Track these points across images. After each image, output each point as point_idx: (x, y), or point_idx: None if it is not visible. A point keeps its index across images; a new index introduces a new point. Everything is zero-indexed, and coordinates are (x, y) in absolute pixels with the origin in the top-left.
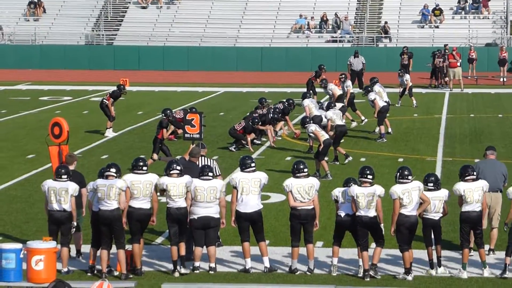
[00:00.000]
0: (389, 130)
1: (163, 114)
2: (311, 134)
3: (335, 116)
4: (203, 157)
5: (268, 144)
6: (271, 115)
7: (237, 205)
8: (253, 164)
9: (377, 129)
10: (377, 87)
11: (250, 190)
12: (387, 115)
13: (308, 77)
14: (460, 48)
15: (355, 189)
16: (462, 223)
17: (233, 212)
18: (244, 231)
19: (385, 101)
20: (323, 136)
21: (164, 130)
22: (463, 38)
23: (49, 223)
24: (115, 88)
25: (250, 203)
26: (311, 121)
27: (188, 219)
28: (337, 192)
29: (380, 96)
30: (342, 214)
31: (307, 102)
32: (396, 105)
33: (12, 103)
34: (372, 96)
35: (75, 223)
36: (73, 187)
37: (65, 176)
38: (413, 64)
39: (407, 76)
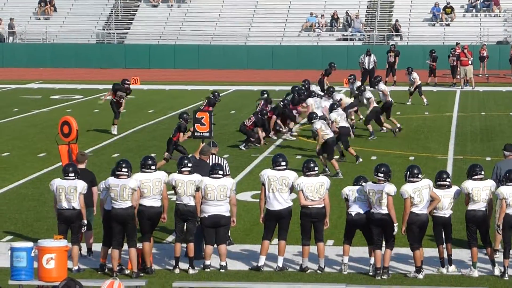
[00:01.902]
0: (398, 125)
1: (181, 119)
2: (314, 131)
3: (339, 117)
4: (213, 156)
5: (278, 142)
6: (282, 109)
7: (266, 203)
8: (283, 163)
9: (385, 129)
10: (382, 86)
11: (277, 188)
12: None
13: (319, 76)
14: (471, 46)
15: (367, 186)
16: (468, 222)
17: (261, 209)
18: (269, 230)
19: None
20: (327, 135)
21: (181, 134)
22: (474, 36)
23: (58, 222)
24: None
25: (278, 200)
26: (318, 118)
27: (197, 217)
28: (347, 190)
29: (385, 94)
30: (353, 212)
31: (310, 101)
32: (407, 103)
33: (24, 102)
34: (368, 94)
35: (85, 221)
36: (81, 185)
37: (73, 174)
38: (421, 62)
39: (414, 74)
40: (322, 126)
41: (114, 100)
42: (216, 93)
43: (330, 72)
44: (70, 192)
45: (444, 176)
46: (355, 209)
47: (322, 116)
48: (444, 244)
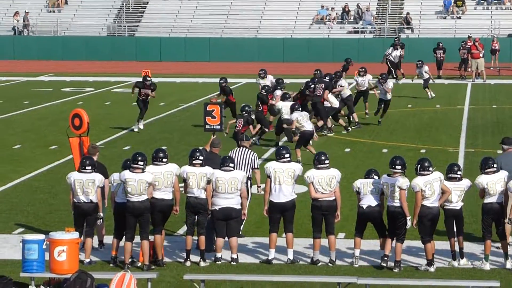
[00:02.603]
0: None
1: (244, 112)
2: (289, 121)
3: (300, 117)
4: (244, 148)
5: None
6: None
7: (271, 195)
8: (287, 155)
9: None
10: (390, 83)
11: (283, 180)
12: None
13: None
14: (483, 39)
15: (383, 179)
16: (484, 214)
17: (266, 201)
18: (274, 222)
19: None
20: (304, 127)
21: (251, 126)
22: (486, 29)
23: (75, 215)
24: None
25: (283, 192)
26: (300, 109)
27: (208, 209)
28: (359, 183)
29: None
30: (364, 205)
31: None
32: (429, 97)
33: (35, 94)
34: (343, 82)
35: (101, 214)
36: (99, 178)
37: (90, 168)
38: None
39: (426, 68)
40: (299, 118)
41: (140, 98)
42: (146, 77)
43: (348, 68)
44: (88, 185)
45: (455, 169)
46: (366, 202)
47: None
48: (456, 237)
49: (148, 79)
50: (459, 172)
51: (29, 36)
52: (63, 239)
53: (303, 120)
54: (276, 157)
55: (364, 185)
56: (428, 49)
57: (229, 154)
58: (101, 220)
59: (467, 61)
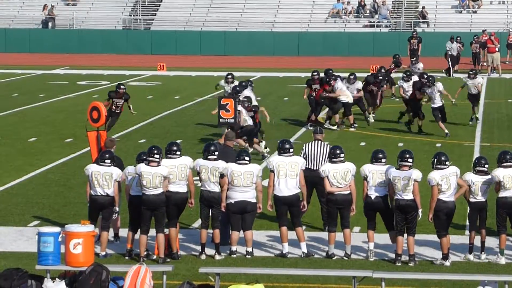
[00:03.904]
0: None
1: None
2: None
3: (246, 114)
4: (319, 142)
5: (304, 129)
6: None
7: (274, 189)
8: (291, 149)
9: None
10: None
11: (287, 174)
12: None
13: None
14: (498, 33)
15: (392, 172)
16: (499, 208)
17: (269, 196)
18: (282, 215)
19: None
20: (246, 122)
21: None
22: (502, 23)
23: (90, 207)
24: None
25: (287, 186)
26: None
27: (221, 203)
28: (367, 171)
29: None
30: (373, 196)
31: (339, 85)
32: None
33: (51, 87)
34: (339, 85)
35: (117, 208)
36: (117, 172)
37: (109, 161)
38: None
39: (420, 65)
40: (243, 112)
41: (112, 108)
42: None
43: (399, 64)
44: (105, 178)
45: (483, 162)
46: (374, 193)
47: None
48: (478, 230)
49: (122, 87)
50: (486, 166)
51: (45, 29)
52: (78, 231)
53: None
54: (279, 151)
55: (373, 174)
56: (444, 43)
57: (304, 148)
58: (117, 214)
59: (479, 55)
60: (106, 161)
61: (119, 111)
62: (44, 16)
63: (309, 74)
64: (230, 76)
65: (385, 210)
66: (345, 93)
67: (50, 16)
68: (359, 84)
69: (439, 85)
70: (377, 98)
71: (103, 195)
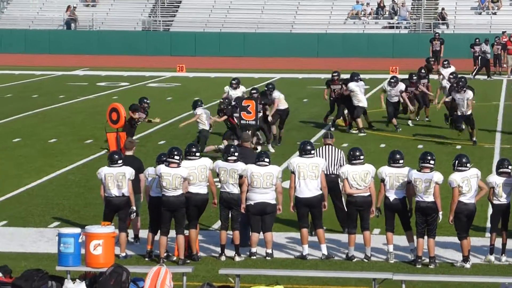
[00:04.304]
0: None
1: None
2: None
3: (204, 115)
4: (329, 146)
5: (324, 130)
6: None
7: (296, 190)
8: (312, 151)
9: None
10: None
11: (307, 175)
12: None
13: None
14: None
15: (413, 174)
16: None
17: (291, 197)
18: (303, 217)
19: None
20: (203, 124)
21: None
22: None
23: (105, 209)
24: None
25: (308, 187)
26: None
27: (241, 204)
28: (384, 174)
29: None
30: (391, 198)
31: (352, 86)
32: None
33: (70, 89)
34: (351, 85)
35: (134, 208)
36: (129, 171)
37: (120, 162)
38: (467, 51)
39: (451, 68)
40: (203, 114)
41: (132, 123)
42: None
43: (431, 68)
44: (119, 179)
45: (506, 163)
46: (392, 195)
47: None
48: (500, 232)
49: (147, 100)
50: (510, 167)
51: (65, 30)
52: (99, 233)
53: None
54: (300, 153)
55: (390, 177)
56: (464, 44)
57: (317, 153)
58: (134, 213)
59: (501, 57)
60: (119, 161)
61: (135, 126)
62: (66, 17)
63: (329, 76)
64: (234, 82)
65: (403, 211)
66: (358, 97)
67: (72, 17)
68: (402, 86)
69: (469, 93)
70: (423, 97)
71: (118, 196)
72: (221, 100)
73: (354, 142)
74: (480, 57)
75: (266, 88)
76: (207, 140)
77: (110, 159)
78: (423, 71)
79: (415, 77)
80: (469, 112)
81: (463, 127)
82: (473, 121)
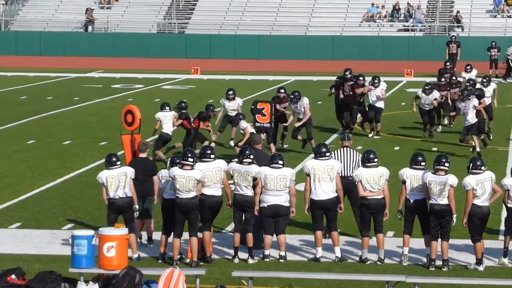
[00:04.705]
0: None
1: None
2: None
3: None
4: (347, 148)
5: (337, 134)
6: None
7: (311, 193)
8: (327, 153)
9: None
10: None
11: (323, 177)
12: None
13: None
14: None
15: (427, 176)
16: None
17: (306, 200)
18: (317, 219)
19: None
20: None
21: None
22: None
23: (109, 212)
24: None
25: (323, 190)
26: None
27: (254, 207)
28: (405, 176)
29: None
30: (412, 199)
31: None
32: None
33: (85, 91)
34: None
35: (136, 206)
36: (130, 170)
37: (119, 162)
38: (482, 54)
39: (474, 72)
40: (166, 117)
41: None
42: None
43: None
44: (121, 179)
45: None
46: (413, 197)
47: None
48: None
49: (213, 109)
50: None
51: (80, 32)
52: (112, 235)
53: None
54: (316, 155)
55: (411, 179)
56: (479, 47)
57: (332, 155)
58: (137, 212)
59: None
60: (117, 163)
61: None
62: (84, 19)
63: None
64: (231, 93)
65: (423, 213)
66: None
67: (90, 20)
68: (436, 94)
69: (475, 101)
70: (449, 103)
71: (121, 197)
72: (182, 104)
73: (368, 145)
74: (508, 60)
75: (292, 96)
76: (166, 144)
77: (108, 161)
78: (453, 78)
79: (442, 80)
80: (473, 121)
81: (463, 138)
82: (478, 129)
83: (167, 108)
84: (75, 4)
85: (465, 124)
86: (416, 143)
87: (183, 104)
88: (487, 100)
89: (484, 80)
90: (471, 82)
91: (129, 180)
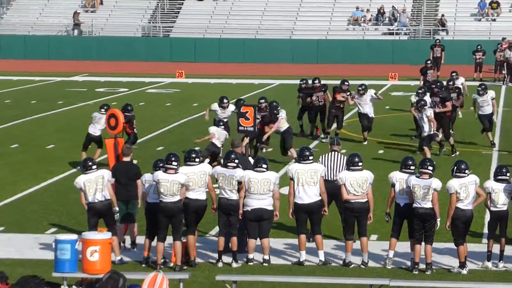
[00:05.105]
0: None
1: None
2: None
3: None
4: (335, 153)
5: (322, 138)
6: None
7: (295, 196)
8: (311, 157)
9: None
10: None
11: (306, 181)
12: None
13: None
14: None
15: (411, 180)
16: None
17: (290, 203)
18: (301, 223)
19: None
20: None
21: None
22: None
23: (89, 216)
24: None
25: (307, 194)
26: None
27: (239, 211)
28: (395, 179)
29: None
30: (401, 203)
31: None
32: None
33: (69, 94)
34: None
35: (116, 208)
36: (107, 172)
37: (95, 166)
38: (467, 57)
39: (461, 80)
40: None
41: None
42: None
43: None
44: (99, 182)
45: (504, 170)
46: (403, 201)
47: None
48: (498, 238)
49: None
50: (508, 174)
51: (64, 36)
52: (95, 239)
53: None
54: (299, 159)
55: (400, 183)
56: (463, 51)
57: (320, 159)
58: (117, 214)
59: (503, 64)
60: (93, 167)
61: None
62: (72, 23)
63: (330, 82)
64: (226, 101)
65: (412, 217)
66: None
67: (77, 23)
68: (492, 93)
69: (429, 111)
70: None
71: (101, 200)
72: (128, 108)
73: (352, 149)
74: (505, 63)
75: (271, 106)
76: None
77: (84, 166)
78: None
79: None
80: (431, 132)
81: (423, 147)
82: (445, 136)
83: (102, 110)
84: (59, 8)
85: (422, 134)
86: (399, 147)
87: (128, 108)
88: (486, 109)
89: (479, 88)
90: (423, 89)
91: (106, 183)
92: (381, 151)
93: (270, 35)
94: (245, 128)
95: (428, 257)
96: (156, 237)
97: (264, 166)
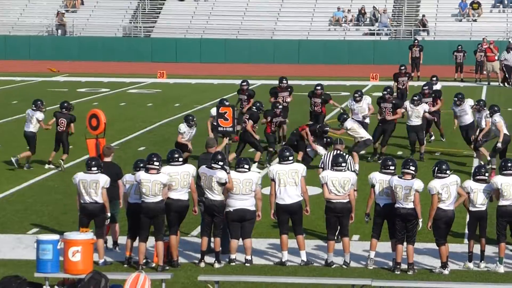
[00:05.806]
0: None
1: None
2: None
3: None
4: (338, 152)
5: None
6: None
7: (276, 197)
8: (291, 157)
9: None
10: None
11: (287, 182)
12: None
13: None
14: (498, 42)
15: (393, 180)
16: (499, 217)
17: (272, 204)
18: (283, 223)
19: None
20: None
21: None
22: (502, 32)
23: (80, 215)
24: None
25: (288, 194)
26: (347, 117)
27: (223, 211)
28: (375, 180)
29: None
30: (381, 203)
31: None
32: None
33: (50, 95)
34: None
35: (108, 214)
36: (104, 179)
37: (95, 169)
38: (448, 58)
39: (438, 85)
40: (354, 125)
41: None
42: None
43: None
44: (92, 186)
45: (483, 171)
46: (382, 201)
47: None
48: (479, 239)
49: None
50: (486, 174)
51: (44, 36)
52: (77, 239)
53: None
54: (279, 159)
55: (381, 183)
56: (444, 51)
57: (323, 158)
58: (108, 220)
59: (483, 64)
60: (93, 168)
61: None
62: (56, 23)
63: (310, 82)
64: (191, 118)
65: (392, 218)
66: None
67: (60, 24)
68: (470, 102)
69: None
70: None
71: (92, 202)
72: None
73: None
74: (504, 65)
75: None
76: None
77: (86, 165)
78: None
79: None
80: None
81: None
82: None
83: (34, 107)
84: (40, 8)
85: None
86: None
87: (65, 105)
88: (465, 119)
89: (456, 98)
90: (417, 97)
91: (100, 189)
92: (362, 152)
93: (251, 36)
94: (224, 129)
95: (410, 257)
96: (138, 237)
97: (246, 166)
